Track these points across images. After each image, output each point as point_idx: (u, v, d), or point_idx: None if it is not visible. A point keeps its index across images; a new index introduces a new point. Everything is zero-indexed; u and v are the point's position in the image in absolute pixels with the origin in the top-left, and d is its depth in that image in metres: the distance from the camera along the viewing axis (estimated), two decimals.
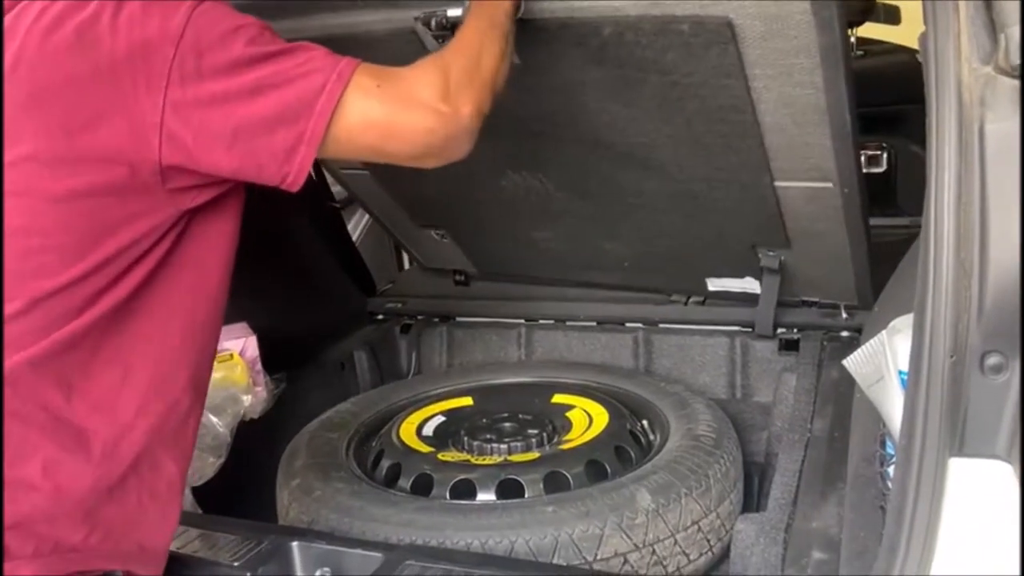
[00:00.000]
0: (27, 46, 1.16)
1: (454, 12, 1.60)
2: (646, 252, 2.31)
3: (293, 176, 1.20)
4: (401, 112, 1.25)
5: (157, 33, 1.13)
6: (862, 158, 2.01)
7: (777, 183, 1.87)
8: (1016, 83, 1.03)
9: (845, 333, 2.20)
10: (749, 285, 2.28)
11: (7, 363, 1.12)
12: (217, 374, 1.86)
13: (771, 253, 2.13)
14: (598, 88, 1.77)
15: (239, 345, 2.13)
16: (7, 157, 1.14)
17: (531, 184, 2.15)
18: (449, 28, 1.61)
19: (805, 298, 2.26)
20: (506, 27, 1.46)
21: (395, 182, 2.40)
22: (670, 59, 1.63)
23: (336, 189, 2.74)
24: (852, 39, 3.41)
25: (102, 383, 1.19)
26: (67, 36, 1.14)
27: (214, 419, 1.93)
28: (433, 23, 1.63)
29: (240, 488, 1.96)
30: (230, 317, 1.72)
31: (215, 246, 1.30)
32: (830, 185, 1.82)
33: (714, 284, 2.35)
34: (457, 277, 2.75)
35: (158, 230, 1.20)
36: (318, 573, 1.51)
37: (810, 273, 2.16)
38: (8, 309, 1.13)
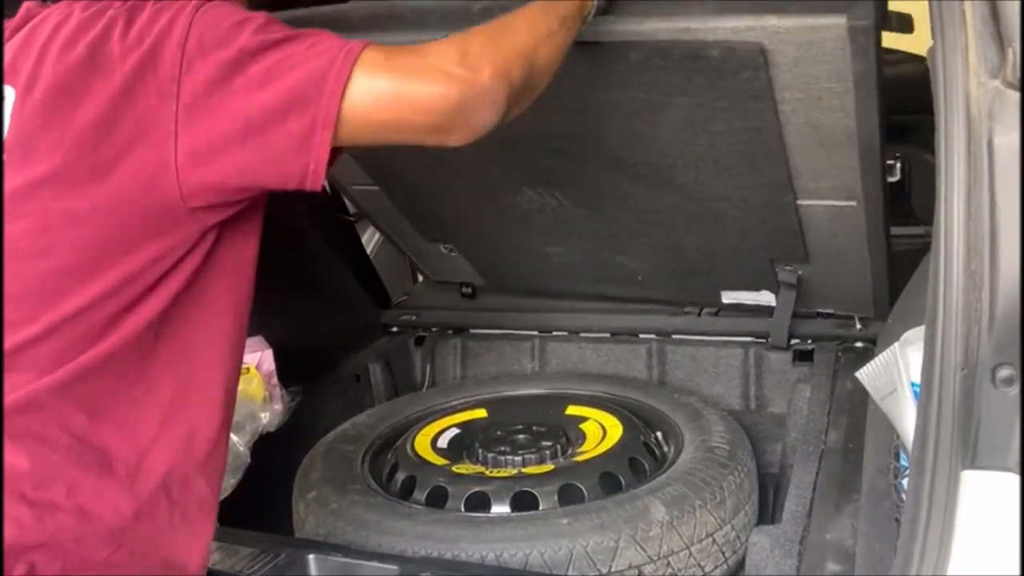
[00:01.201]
0: (42, 65, 1.15)
1: None
2: (661, 266, 2.29)
3: (314, 166, 1.14)
4: (410, 81, 1.16)
5: (163, 40, 1.12)
6: None
7: (800, 201, 1.85)
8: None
9: (859, 344, 2.19)
10: (764, 298, 2.27)
11: (31, 387, 1.11)
12: None
13: (789, 268, 2.12)
14: (621, 110, 1.74)
15: (255, 358, 2.13)
16: (23, 177, 1.14)
17: (547, 201, 2.13)
18: None
19: (820, 310, 2.25)
20: (562, 12, 1.35)
21: (405, 197, 2.41)
22: (698, 83, 1.60)
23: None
24: None
25: (126, 405, 1.18)
26: (80, 55, 1.14)
27: (234, 438, 1.92)
28: None
29: (256, 500, 1.97)
30: None
31: (239, 268, 1.29)
32: (854, 204, 1.80)
33: (729, 296, 2.34)
34: (464, 290, 2.75)
35: (179, 249, 1.19)
36: None
37: (828, 286, 2.15)
38: (28, 332, 1.12)
